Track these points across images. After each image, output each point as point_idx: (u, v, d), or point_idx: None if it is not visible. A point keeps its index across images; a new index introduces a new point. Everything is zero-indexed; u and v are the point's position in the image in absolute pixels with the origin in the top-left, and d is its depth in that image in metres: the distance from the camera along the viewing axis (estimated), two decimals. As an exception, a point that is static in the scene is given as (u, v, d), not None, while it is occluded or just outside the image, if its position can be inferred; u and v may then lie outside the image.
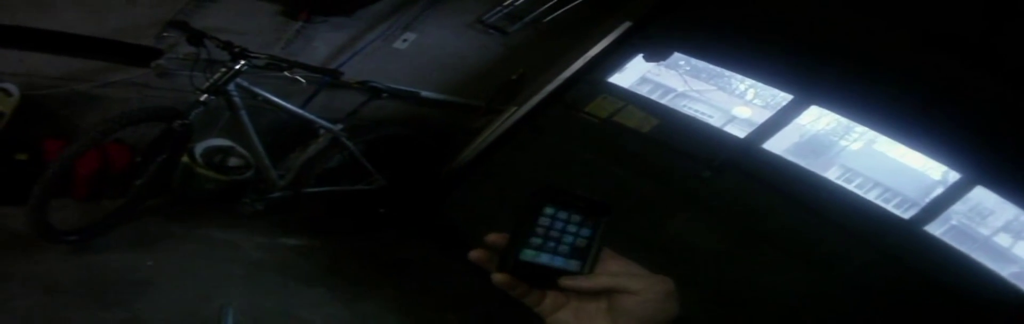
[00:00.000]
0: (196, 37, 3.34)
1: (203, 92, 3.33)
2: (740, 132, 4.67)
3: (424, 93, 4.92)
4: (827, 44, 4.38)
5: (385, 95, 4.27)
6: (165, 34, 3.55)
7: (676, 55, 5.44)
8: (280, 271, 4.15)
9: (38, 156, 3.60)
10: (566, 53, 5.30)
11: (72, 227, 3.48)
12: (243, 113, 3.71)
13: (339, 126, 4.24)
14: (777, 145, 4.73)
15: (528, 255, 0.87)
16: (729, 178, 4.45)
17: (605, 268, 0.90)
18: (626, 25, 5.06)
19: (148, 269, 3.60)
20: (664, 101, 7.11)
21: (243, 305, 3.66)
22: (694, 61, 7.02)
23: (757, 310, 4.22)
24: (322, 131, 4.24)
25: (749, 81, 8.15)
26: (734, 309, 4.26)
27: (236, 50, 3.34)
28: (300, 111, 4.05)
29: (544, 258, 0.88)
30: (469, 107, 5.46)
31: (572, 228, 0.90)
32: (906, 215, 4.29)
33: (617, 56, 5.19)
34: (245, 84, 3.56)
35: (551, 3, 4.64)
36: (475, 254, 0.89)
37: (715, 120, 7.14)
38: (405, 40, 4.52)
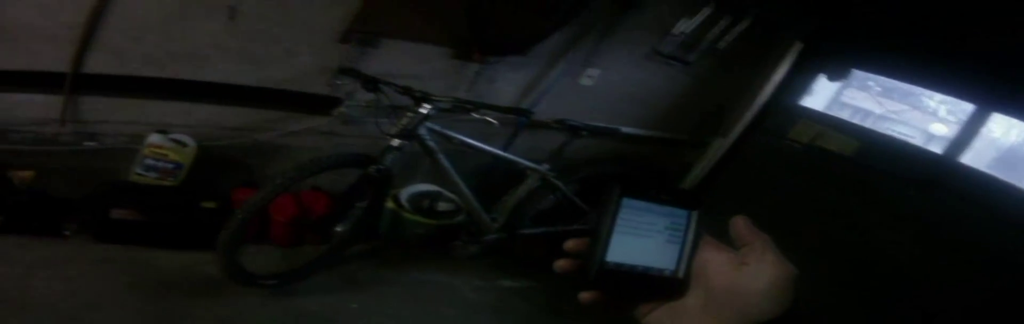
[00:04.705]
0: (371, 83, 3.21)
1: (393, 137, 3.14)
2: (939, 149, 4.30)
3: (624, 129, 4.52)
4: (1000, 49, 3.96)
5: (585, 133, 3.95)
6: (337, 82, 3.48)
7: (861, 75, 5.30)
8: (496, 312, 3.82)
9: (227, 204, 3.52)
10: (754, 78, 4.91)
11: (270, 272, 3.35)
12: (441, 157, 3.47)
13: (545, 166, 3.92)
14: (977, 160, 4.44)
15: (612, 259, 0.75)
16: (935, 196, 4.08)
17: (704, 257, 0.77)
18: (798, 46, 4.71)
19: (352, 312, 3.38)
20: (865, 124, 6.86)
21: (455, 346, 3.27)
22: (883, 81, 6.65)
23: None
24: (529, 172, 3.96)
25: (938, 97, 7.64)
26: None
27: (417, 94, 3.16)
28: (502, 153, 3.80)
29: (631, 260, 0.76)
30: (674, 141, 5.07)
31: (659, 224, 0.78)
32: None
33: (801, 78, 4.85)
34: (437, 128, 3.34)
35: (719, 28, 4.32)
36: (560, 264, 0.79)
37: (916, 140, 6.85)
38: (590, 76, 4.25)
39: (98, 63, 3.13)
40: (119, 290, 3.04)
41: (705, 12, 4.20)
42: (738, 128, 5.02)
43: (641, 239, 0.76)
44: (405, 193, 4.05)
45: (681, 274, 0.77)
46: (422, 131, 3.29)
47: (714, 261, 0.76)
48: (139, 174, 3.41)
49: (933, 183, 4.14)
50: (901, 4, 4.22)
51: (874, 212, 4.38)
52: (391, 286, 3.76)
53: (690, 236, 0.78)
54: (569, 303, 4.00)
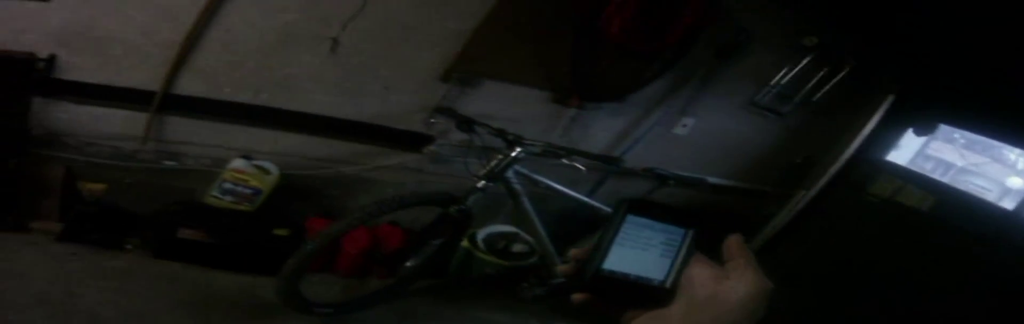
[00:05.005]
0: (466, 124, 3.19)
1: (480, 179, 3.10)
2: (1012, 203, 4.21)
3: (710, 179, 4.47)
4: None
5: (672, 182, 3.93)
6: (432, 121, 3.47)
7: (946, 128, 5.19)
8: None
9: (300, 233, 3.50)
10: (843, 132, 4.81)
11: (329, 301, 3.31)
12: (524, 200, 3.43)
13: (628, 214, 4.02)
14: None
15: (608, 267, 0.81)
16: (1001, 253, 3.99)
17: (693, 271, 0.84)
18: (890, 99, 4.60)
19: (403, 345, 3.26)
20: (946, 177, 6.67)
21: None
22: (967, 133, 6.60)
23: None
24: (610, 219, 4.06)
25: (1018, 150, 7.62)
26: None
27: (510, 137, 3.13)
28: (585, 199, 3.73)
29: (624, 269, 0.82)
30: (758, 193, 4.99)
31: (657, 239, 0.85)
32: None
33: (890, 132, 4.76)
34: (524, 171, 3.30)
35: (816, 79, 4.23)
36: (562, 268, 0.86)
37: (992, 193, 6.75)
38: (685, 125, 4.19)
39: (190, 85, 3.12)
40: (167, 304, 3.02)
41: (804, 62, 4.11)
42: (822, 181, 4.90)
43: (638, 251, 0.83)
44: (482, 233, 3.99)
45: (669, 285, 0.83)
46: (509, 174, 3.24)
47: (701, 275, 0.82)
48: (215, 197, 3.36)
49: (1000, 239, 4.07)
50: (990, 60, 4.09)
51: (942, 271, 4.32)
52: (448, 322, 3.74)
53: (683, 251, 0.85)
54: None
